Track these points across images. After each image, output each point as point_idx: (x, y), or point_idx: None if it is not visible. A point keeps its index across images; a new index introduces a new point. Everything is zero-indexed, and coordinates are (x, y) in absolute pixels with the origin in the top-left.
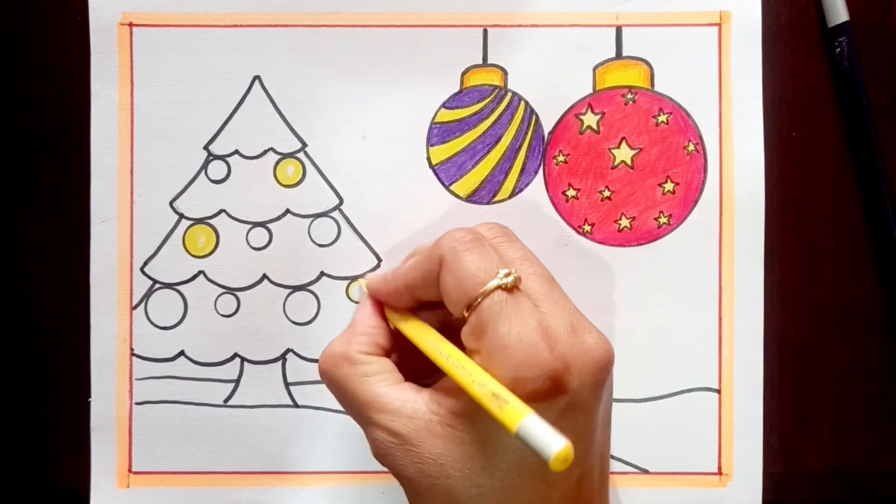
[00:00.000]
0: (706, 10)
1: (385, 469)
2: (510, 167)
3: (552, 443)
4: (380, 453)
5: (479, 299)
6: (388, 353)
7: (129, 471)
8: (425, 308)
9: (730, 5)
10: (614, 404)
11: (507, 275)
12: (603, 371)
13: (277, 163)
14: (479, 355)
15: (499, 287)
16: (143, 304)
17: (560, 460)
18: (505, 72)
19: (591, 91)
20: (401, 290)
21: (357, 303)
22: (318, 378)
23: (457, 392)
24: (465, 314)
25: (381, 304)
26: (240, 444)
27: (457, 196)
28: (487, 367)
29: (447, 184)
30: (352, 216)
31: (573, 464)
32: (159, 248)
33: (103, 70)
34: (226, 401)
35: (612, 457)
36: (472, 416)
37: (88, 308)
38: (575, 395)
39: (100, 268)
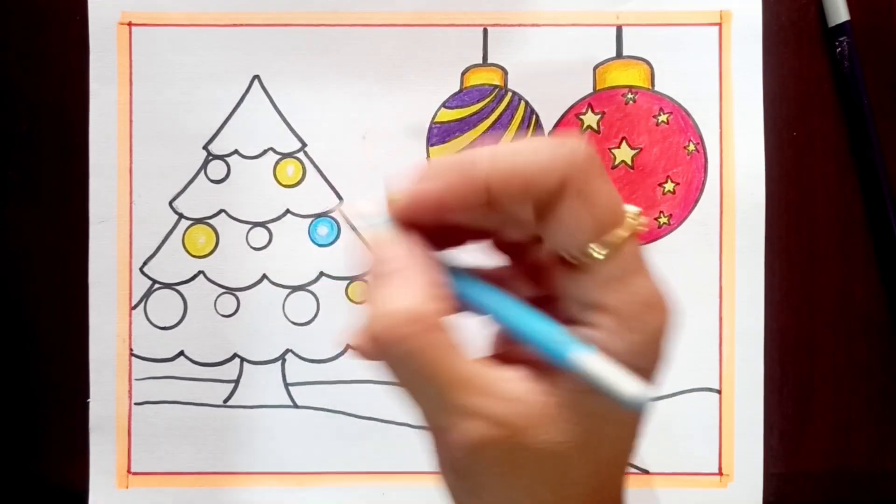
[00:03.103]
0: (707, 10)
1: (384, 470)
2: None
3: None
4: (474, 451)
5: (616, 244)
6: None
7: (129, 471)
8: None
9: (730, 5)
10: None
11: (638, 214)
12: None
13: (277, 163)
14: (609, 314)
15: (635, 232)
16: (142, 305)
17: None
18: (505, 71)
19: (591, 91)
20: (480, 192)
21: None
22: (318, 378)
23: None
24: (585, 256)
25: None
26: (239, 445)
27: None
28: (625, 329)
29: None
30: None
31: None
32: (159, 248)
33: (102, 69)
34: (225, 401)
35: None
36: (595, 394)
37: (87, 308)
38: None
39: (99, 268)
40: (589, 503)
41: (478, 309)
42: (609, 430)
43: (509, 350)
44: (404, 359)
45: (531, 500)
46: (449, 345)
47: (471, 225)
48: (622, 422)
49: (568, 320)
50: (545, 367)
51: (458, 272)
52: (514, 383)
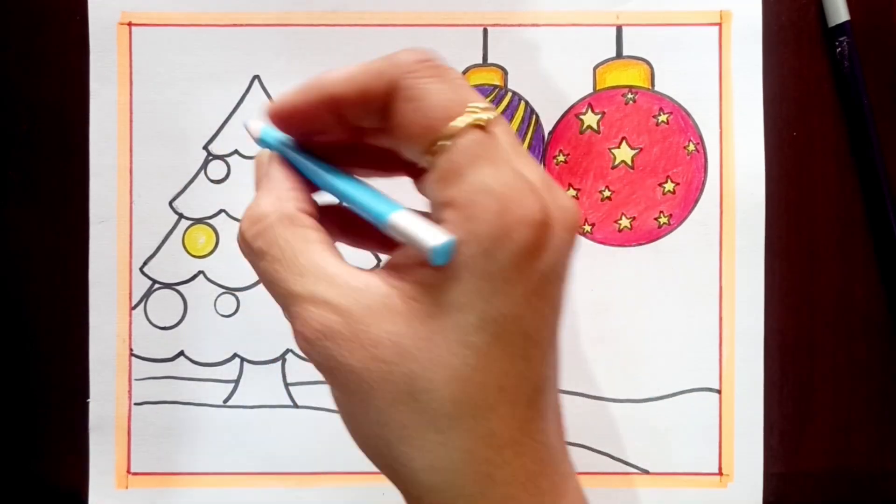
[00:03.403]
0: (707, 10)
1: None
2: None
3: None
4: (313, 338)
5: (451, 138)
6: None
7: (128, 471)
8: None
9: (730, 5)
10: (614, 404)
11: (486, 109)
12: (576, 231)
13: None
14: (452, 208)
15: (475, 124)
16: (142, 305)
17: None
18: (505, 71)
19: (591, 91)
20: (323, 106)
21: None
22: (318, 378)
23: (420, 262)
24: (429, 157)
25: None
26: (240, 445)
27: None
28: (470, 219)
29: None
30: None
31: (552, 338)
32: (159, 248)
33: (102, 70)
34: (225, 401)
35: (612, 457)
36: (441, 286)
37: (88, 308)
38: (556, 254)
39: (99, 268)
40: (457, 414)
41: (333, 195)
42: (455, 329)
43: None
44: (256, 252)
45: (380, 390)
46: (301, 238)
47: (345, 139)
48: (470, 325)
49: (436, 222)
50: (400, 265)
51: (320, 167)
52: (361, 276)
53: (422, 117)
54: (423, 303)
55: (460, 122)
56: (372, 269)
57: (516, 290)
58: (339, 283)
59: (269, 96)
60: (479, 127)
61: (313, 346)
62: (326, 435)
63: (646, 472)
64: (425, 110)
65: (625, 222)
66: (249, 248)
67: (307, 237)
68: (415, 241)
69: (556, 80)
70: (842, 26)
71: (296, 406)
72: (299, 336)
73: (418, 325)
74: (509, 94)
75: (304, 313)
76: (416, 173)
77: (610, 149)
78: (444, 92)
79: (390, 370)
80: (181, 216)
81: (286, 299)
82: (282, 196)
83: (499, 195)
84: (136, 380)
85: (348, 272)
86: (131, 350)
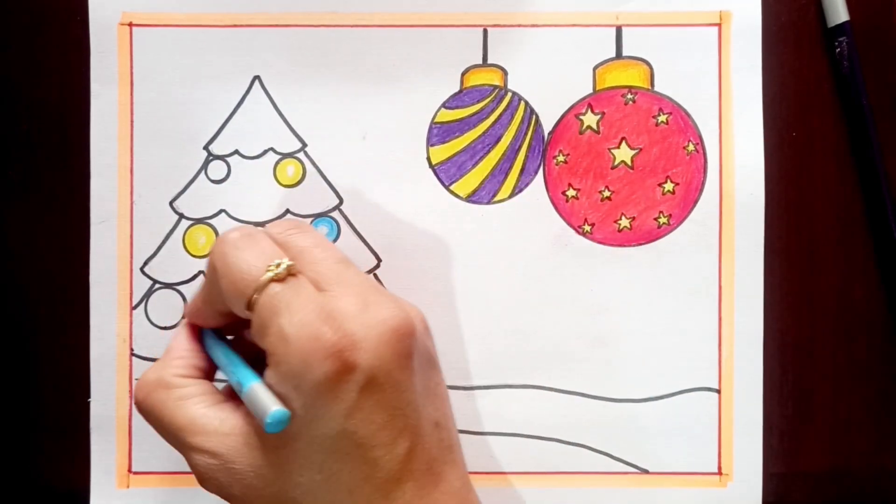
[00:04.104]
0: (706, 10)
1: None
2: (510, 167)
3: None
4: (204, 479)
5: (255, 296)
6: (207, 375)
7: (129, 471)
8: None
9: (730, 5)
10: (613, 404)
11: (278, 265)
12: (403, 339)
13: (277, 163)
14: (267, 354)
15: (273, 280)
16: (142, 304)
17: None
18: (505, 72)
19: (591, 91)
20: (201, 307)
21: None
22: None
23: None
24: (250, 313)
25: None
26: None
27: (457, 196)
28: (277, 364)
29: (447, 184)
30: (352, 216)
31: (397, 435)
32: (159, 248)
33: (103, 70)
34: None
35: (612, 457)
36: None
37: (88, 308)
38: (372, 370)
39: (99, 268)
40: None
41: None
42: (297, 454)
43: None
44: (145, 414)
45: (253, 501)
46: (176, 398)
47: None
48: (307, 448)
49: None
50: None
51: (214, 344)
52: (227, 421)
53: (232, 286)
54: (272, 436)
55: (261, 281)
56: (237, 409)
57: (334, 412)
58: (210, 433)
59: (269, 96)
60: (278, 280)
61: (205, 484)
62: None
63: (645, 471)
64: (233, 280)
65: (624, 222)
66: (140, 410)
67: (182, 395)
68: (255, 415)
69: (556, 80)
70: (841, 26)
71: None
72: (195, 476)
73: (272, 455)
74: (509, 94)
75: (192, 460)
76: None
77: (610, 149)
78: (245, 260)
79: (260, 494)
80: (182, 216)
81: (177, 448)
82: (165, 364)
83: (293, 339)
84: (137, 379)
85: (218, 420)
86: (132, 350)
